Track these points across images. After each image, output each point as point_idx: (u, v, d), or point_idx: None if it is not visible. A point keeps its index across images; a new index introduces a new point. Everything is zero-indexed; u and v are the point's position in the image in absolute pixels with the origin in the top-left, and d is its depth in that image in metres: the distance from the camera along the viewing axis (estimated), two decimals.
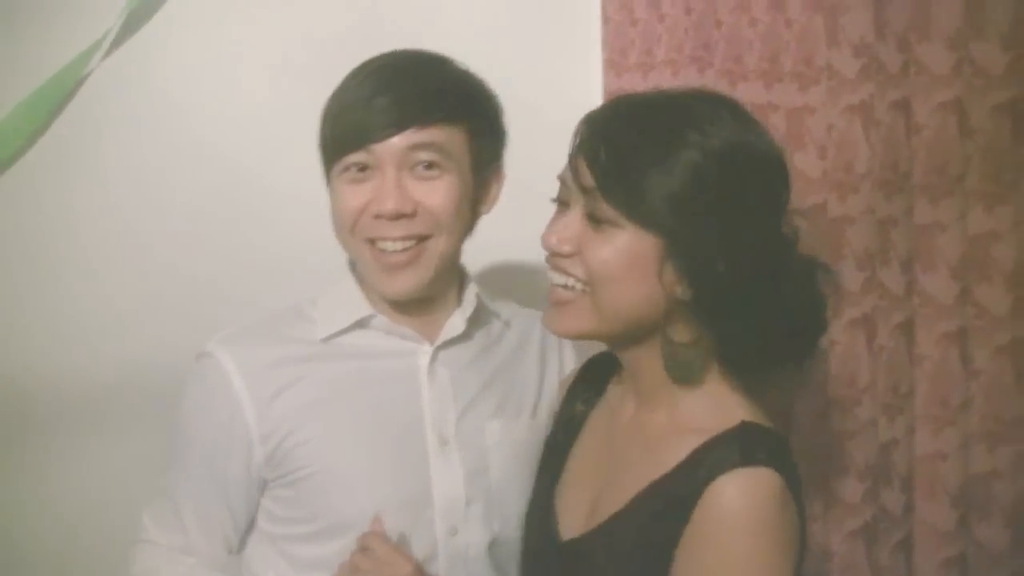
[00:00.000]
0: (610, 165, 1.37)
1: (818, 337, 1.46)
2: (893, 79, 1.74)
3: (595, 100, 2.08)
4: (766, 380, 1.47)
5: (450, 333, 1.64)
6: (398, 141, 1.53)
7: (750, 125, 1.43)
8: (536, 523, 1.57)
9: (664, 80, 1.96)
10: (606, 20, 2.08)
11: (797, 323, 1.42)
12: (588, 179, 1.39)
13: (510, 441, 1.64)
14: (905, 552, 1.75)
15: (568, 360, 1.75)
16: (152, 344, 2.08)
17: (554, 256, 1.43)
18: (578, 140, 1.43)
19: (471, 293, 1.66)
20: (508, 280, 2.04)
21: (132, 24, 2.05)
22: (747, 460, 1.34)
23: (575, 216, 1.42)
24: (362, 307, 1.62)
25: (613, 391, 1.58)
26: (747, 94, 1.82)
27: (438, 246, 1.57)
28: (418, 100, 1.53)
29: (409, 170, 1.55)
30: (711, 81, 1.91)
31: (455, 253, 1.62)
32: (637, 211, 1.36)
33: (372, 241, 1.57)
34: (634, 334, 1.43)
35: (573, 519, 1.49)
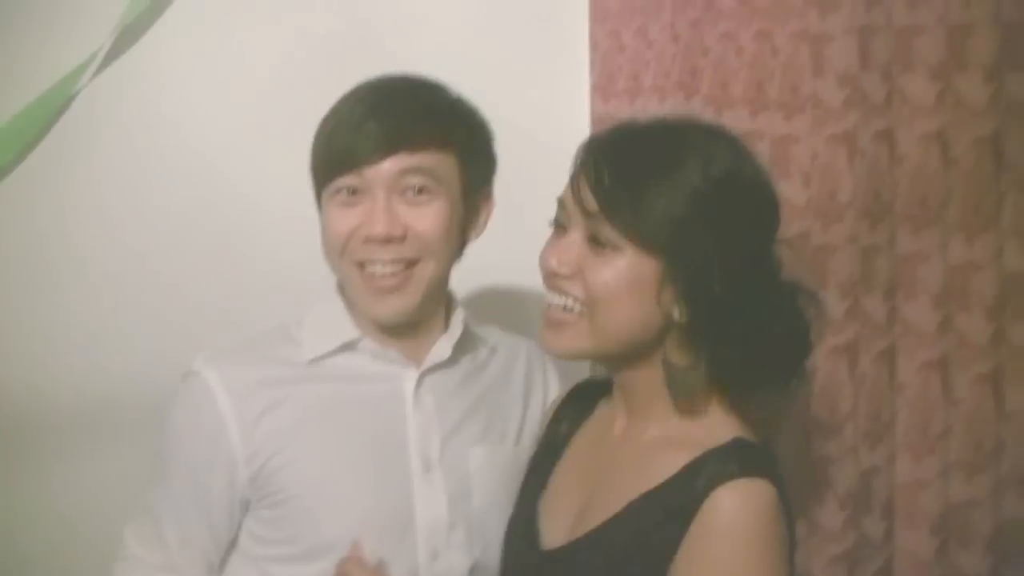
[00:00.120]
0: (614, 190, 1.39)
1: (804, 359, 1.49)
2: (877, 109, 1.76)
3: (582, 125, 2.09)
4: (752, 401, 1.49)
5: (437, 358, 1.63)
6: (389, 165, 1.53)
7: (744, 152, 1.46)
8: (518, 534, 1.58)
9: (651, 106, 1.98)
10: (594, 46, 2.09)
11: (784, 345, 1.45)
12: (591, 203, 1.41)
13: (493, 467, 1.64)
14: None
15: (552, 388, 1.76)
16: (144, 358, 2.08)
17: (553, 277, 1.45)
18: (579, 164, 1.45)
19: (458, 318, 1.66)
20: (495, 305, 2.04)
21: (124, 41, 2.06)
22: (745, 471, 1.37)
23: (576, 238, 1.44)
24: (349, 330, 1.62)
25: (601, 410, 1.59)
26: (733, 122, 1.83)
27: (427, 270, 1.57)
28: (409, 125, 1.54)
29: (399, 194, 1.55)
30: (697, 108, 1.92)
31: (443, 278, 1.62)
32: (640, 235, 1.39)
33: (361, 264, 1.57)
34: (628, 353, 1.46)
35: (556, 530, 1.50)
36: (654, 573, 1.38)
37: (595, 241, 1.42)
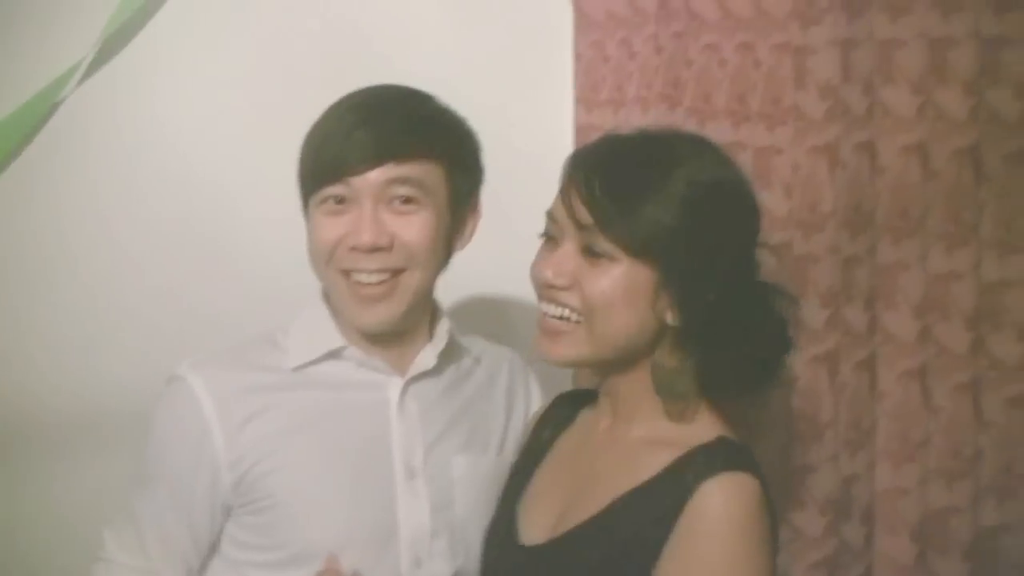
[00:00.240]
0: (607, 202, 1.42)
1: (785, 354, 1.51)
2: (858, 121, 1.77)
3: (566, 135, 2.10)
4: (734, 403, 1.52)
5: (421, 367, 1.64)
6: (376, 175, 1.54)
7: (727, 162, 1.50)
8: (498, 534, 1.59)
9: (634, 117, 1.98)
10: (578, 57, 2.09)
11: (768, 343, 1.48)
12: (585, 215, 1.43)
13: (476, 475, 1.65)
14: None
15: (535, 398, 1.77)
16: (138, 362, 2.07)
17: (548, 288, 1.47)
18: (568, 178, 1.47)
19: (443, 328, 1.67)
20: (480, 314, 2.05)
21: (114, 46, 2.06)
22: (731, 466, 1.40)
23: (569, 250, 1.46)
24: (334, 338, 1.62)
25: (584, 415, 1.61)
26: (716, 133, 1.84)
27: (412, 280, 1.58)
28: (397, 135, 1.54)
29: (386, 204, 1.55)
30: (680, 119, 1.93)
31: (429, 287, 1.62)
32: (635, 244, 1.42)
33: (347, 273, 1.57)
34: (622, 359, 1.48)
35: (537, 528, 1.52)
36: (641, 568, 1.39)
37: (590, 252, 1.44)
